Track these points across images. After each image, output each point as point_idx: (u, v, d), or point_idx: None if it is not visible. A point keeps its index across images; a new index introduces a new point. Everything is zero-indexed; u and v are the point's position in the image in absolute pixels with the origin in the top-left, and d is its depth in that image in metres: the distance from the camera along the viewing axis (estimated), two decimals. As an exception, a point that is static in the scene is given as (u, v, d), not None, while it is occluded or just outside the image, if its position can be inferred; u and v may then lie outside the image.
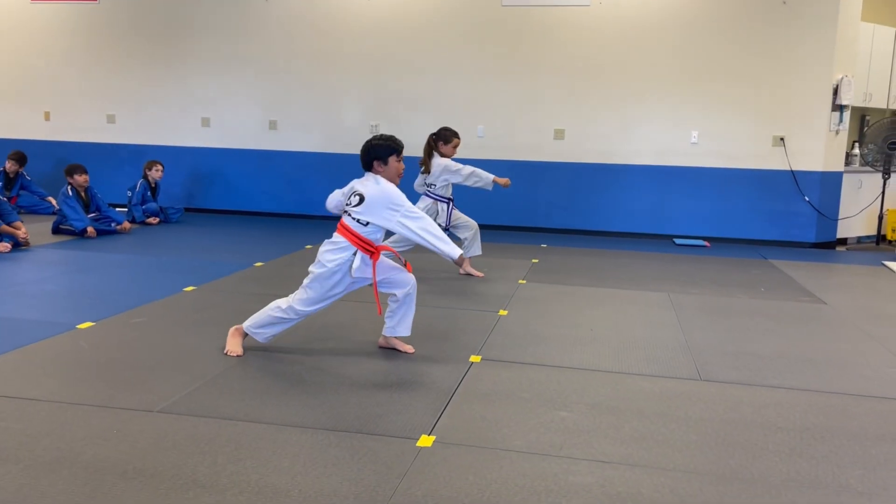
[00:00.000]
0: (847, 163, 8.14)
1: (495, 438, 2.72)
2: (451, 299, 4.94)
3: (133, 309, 4.42)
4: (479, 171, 5.62)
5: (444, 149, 5.59)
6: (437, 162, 5.55)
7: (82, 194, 7.29)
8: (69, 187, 7.16)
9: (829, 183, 7.78)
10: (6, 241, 6.16)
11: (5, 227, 6.21)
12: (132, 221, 7.83)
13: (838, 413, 3.09)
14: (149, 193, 8.18)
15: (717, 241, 7.93)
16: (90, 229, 7.01)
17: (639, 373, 3.54)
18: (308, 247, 6.83)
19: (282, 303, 3.62)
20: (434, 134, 5.61)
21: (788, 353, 3.94)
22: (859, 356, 3.93)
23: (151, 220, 8.05)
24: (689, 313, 4.74)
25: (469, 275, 5.72)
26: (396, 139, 3.62)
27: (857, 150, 8.31)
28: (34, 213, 8.47)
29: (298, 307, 3.58)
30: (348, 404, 3.03)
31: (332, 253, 3.52)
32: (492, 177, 5.61)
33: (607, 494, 2.32)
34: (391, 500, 2.25)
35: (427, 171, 5.61)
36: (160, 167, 8.35)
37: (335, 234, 3.58)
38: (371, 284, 3.59)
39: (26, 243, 6.38)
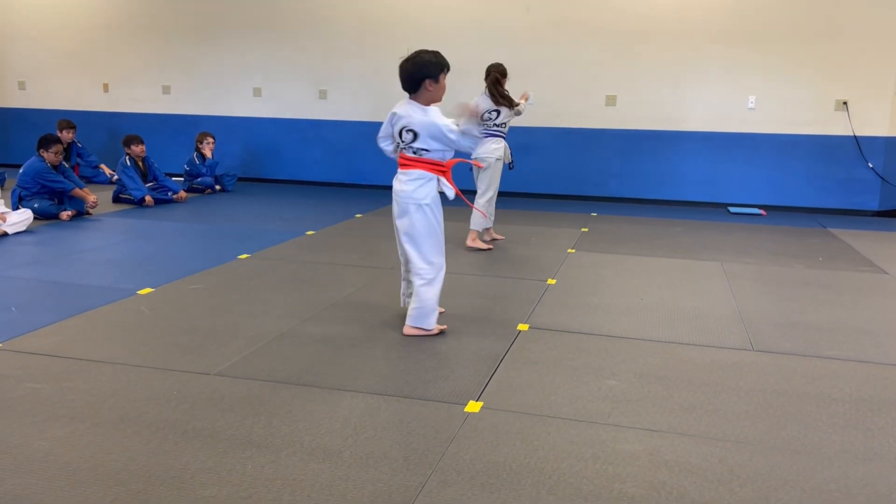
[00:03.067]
0: (914, 127, 7.81)
1: (542, 405, 2.74)
2: (500, 268, 4.94)
3: (190, 276, 4.55)
4: None
5: (507, 84, 5.54)
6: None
7: (140, 164, 7.49)
8: (127, 157, 7.36)
9: (895, 148, 7.48)
10: (69, 210, 6.39)
11: (77, 191, 6.47)
12: (188, 190, 8.02)
13: (895, 385, 3.02)
14: (202, 167, 8.26)
15: (774, 210, 7.73)
16: (148, 198, 7.21)
17: (689, 342, 3.50)
18: (358, 216, 6.90)
19: (424, 274, 3.46)
20: (496, 70, 5.49)
21: (845, 323, 3.84)
22: (921, 328, 3.81)
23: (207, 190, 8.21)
24: (743, 283, 4.65)
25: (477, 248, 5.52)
26: (442, 54, 3.47)
27: (925, 114, 7.95)
28: (93, 184, 8.72)
29: (438, 259, 3.50)
30: (398, 370, 3.08)
31: (424, 187, 3.43)
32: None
33: (655, 463, 2.32)
34: (439, 463, 2.29)
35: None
36: (211, 140, 8.34)
37: (409, 170, 3.46)
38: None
39: (88, 212, 6.61)
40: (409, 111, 3.43)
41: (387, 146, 3.68)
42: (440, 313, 3.67)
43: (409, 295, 3.65)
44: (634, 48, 7.82)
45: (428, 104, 3.46)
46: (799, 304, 4.21)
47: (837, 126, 7.47)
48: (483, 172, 5.50)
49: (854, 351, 3.42)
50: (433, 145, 3.42)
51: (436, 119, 3.39)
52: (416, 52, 3.45)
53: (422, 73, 3.39)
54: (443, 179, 3.50)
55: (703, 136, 7.83)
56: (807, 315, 3.98)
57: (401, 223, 3.53)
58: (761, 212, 7.58)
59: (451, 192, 3.53)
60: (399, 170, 3.54)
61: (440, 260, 3.53)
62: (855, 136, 7.44)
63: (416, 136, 3.41)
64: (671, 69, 7.77)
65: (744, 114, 7.69)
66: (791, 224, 6.94)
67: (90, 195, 6.58)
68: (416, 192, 3.45)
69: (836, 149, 7.52)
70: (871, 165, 7.45)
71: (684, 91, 7.79)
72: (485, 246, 5.50)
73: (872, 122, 7.39)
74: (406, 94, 3.54)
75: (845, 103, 7.40)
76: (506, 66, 5.76)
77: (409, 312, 3.53)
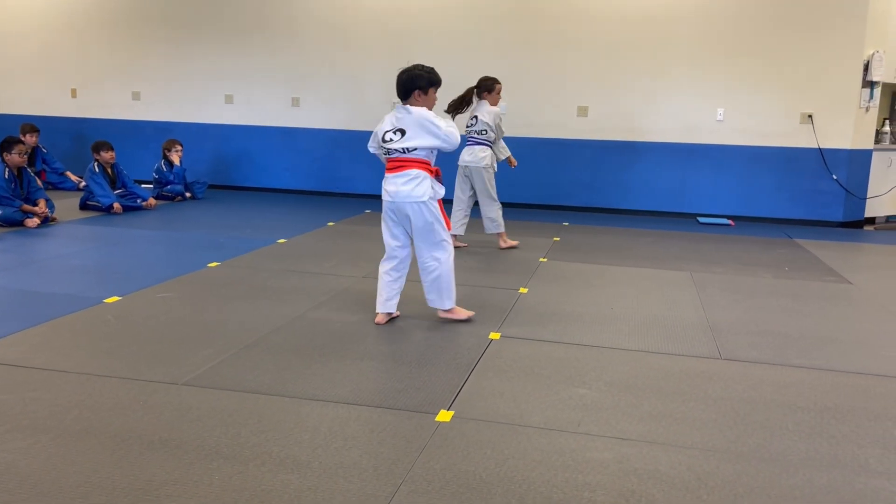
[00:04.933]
0: (877, 140, 7.98)
1: (513, 414, 2.75)
2: (472, 276, 4.95)
3: (159, 284, 4.49)
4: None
5: (489, 98, 5.67)
6: (490, 109, 5.63)
7: (108, 171, 7.38)
8: (96, 164, 7.25)
9: (858, 161, 7.64)
10: (34, 217, 6.26)
11: (26, 207, 6.28)
12: (157, 197, 7.92)
13: (860, 393, 3.07)
14: (169, 174, 8.14)
15: (742, 220, 7.85)
16: (116, 205, 7.11)
17: (658, 351, 3.53)
18: (330, 224, 6.87)
19: (431, 269, 3.73)
20: (476, 87, 5.61)
21: (811, 332, 3.91)
22: (884, 336, 3.89)
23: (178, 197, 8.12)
24: (711, 292, 4.71)
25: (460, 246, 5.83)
26: (436, 71, 3.69)
27: (887, 128, 8.13)
28: (59, 190, 8.58)
29: (445, 245, 3.72)
30: (368, 379, 3.07)
31: (420, 186, 3.59)
32: (508, 153, 6.00)
33: (624, 471, 2.34)
34: (409, 473, 2.28)
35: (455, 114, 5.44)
36: (179, 147, 8.22)
37: (402, 171, 3.61)
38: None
39: (54, 219, 6.49)
40: (398, 114, 3.65)
41: (376, 150, 3.89)
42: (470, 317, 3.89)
43: (391, 299, 3.82)
44: (606, 60, 7.91)
45: None
46: (766, 313, 4.27)
47: (803, 139, 7.62)
48: (478, 184, 5.75)
49: (819, 359, 3.48)
50: (421, 141, 3.56)
51: (422, 111, 3.59)
52: (412, 66, 3.66)
53: (413, 84, 3.62)
54: (434, 180, 3.65)
55: (672, 147, 7.94)
56: (774, 324, 4.05)
57: (402, 224, 3.71)
58: (730, 222, 7.69)
59: (441, 191, 3.70)
60: (389, 174, 3.66)
61: (447, 243, 3.72)
62: (820, 149, 7.59)
63: (404, 133, 3.58)
64: (642, 81, 7.87)
65: (712, 125, 7.81)
66: (758, 234, 7.06)
67: (39, 209, 6.32)
68: (413, 190, 3.59)
69: (801, 161, 7.66)
70: (835, 177, 7.60)
71: (655, 103, 7.90)
72: (514, 242, 5.98)
73: (837, 135, 7.55)
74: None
75: (810, 116, 7.55)
76: (479, 74, 5.82)
77: (429, 297, 3.80)
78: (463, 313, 3.88)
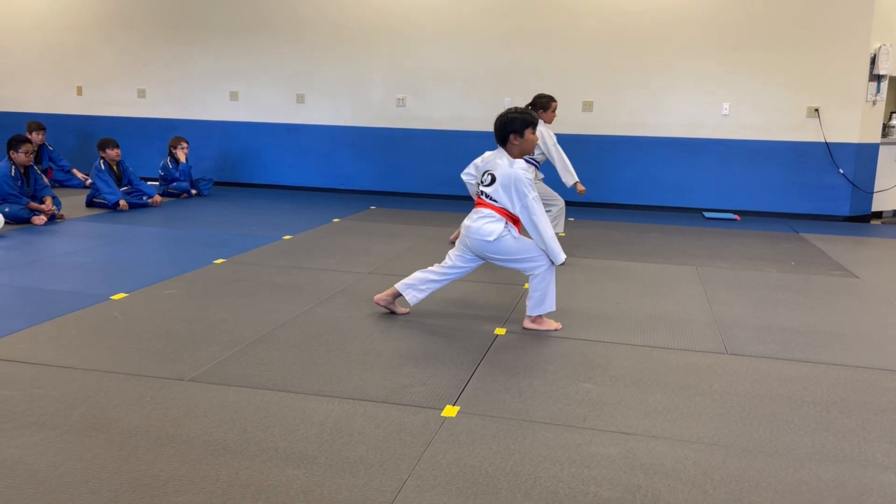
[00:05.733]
0: (884, 134, 7.95)
1: (519, 409, 2.75)
2: (476, 272, 4.94)
3: (165, 281, 4.51)
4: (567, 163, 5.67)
5: (544, 116, 5.55)
6: (542, 130, 5.46)
7: (114, 168, 7.41)
8: (101, 161, 7.27)
9: (865, 155, 7.61)
10: (41, 215, 6.29)
11: (32, 205, 6.31)
12: (162, 195, 7.94)
13: (866, 387, 3.06)
14: (174, 171, 8.18)
15: (748, 215, 7.83)
16: (122, 202, 7.13)
17: (664, 346, 3.53)
18: (336, 220, 6.88)
19: (436, 268, 3.81)
20: (531, 104, 5.53)
21: (817, 327, 3.90)
22: (890, 330, 3.87)
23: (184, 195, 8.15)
24: (717, 287, 4.70)
25: None
26: (531, 112, 3.67)
27: (894, 122, 8.11)
28: (65, 188, 8.61)
29: (450, 270, 3.78)
30: (374, 375, 3.07)
31: (491, 224, 3.62)
32: (575, 179, 5.67)
33: (630, 465, 2.34)
34: (415, 468, 2.29)
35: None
36: (185, 144, 8.26)
37: (482, 208, 3.66)
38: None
39: (61, 216, 6.52)
40: (497, 158, 3.65)
41: (469, 180, 4.00)
42: (556, 329, 3.77)
43: (414, 287, 3.82)
44: (611, 55, 7.89)
45: (518, 156, 3.64)
46: (772, 307, 4.26)
47: (809, 133, 7.59)
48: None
49: (826, 354, 3.47)
50: (502, 198, 3.59)
51: (518, 171, 3.56)
52: (507, 110, 3.66)
53: (507, 129, 3.60)
54: (511, 226, 3.66)
55: (678, 142, 7.92)
56: (780, 318, 4.04)
57: (475, 254, 3.75)
58: (735, 217, 7.67)
59: (515, 234, 3.72)
60: (474, 208, 3.73)
61: (537, 259, 3.67)
62: (826, 143, 7.56)
63: (493, 180, 3.61)
64: (647, 76, 7.85)
65: (718, 120, 7.79)
66: (764, 229, 7.03)
67: (46, 207, 6.36)
68: (482, 228, 3.63)
69: (808, 155, 7.63)
70: (842, 171, 7.57)
71: (660, 97, 7.88)
72: None
73: (843, 129, 7.52)
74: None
75: (817, 110, 7.52)
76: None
77: (527, 303, 3.74)
78: (550, 324, 3.78)
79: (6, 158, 6.33)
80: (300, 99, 8.88)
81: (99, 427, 2.52)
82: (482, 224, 3.63)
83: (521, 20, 8.06)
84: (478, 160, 3.78)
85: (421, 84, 8.37)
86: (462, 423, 2.62)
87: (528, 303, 3.72)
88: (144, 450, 2.37)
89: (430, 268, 3.87)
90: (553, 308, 3.73)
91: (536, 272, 3.66)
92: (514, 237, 3.65)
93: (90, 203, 7.29)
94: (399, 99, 8.44)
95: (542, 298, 3.69)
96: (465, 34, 8.20)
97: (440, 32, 8.26)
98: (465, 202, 8.27)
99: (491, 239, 3.61)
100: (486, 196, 3.65)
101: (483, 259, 3.78)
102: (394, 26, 8.39)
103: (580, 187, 5.70)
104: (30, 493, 2.10)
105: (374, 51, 8.50)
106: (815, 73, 7.47)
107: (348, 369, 3.12)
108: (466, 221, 3.73)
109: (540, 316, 3.73)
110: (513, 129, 3.58)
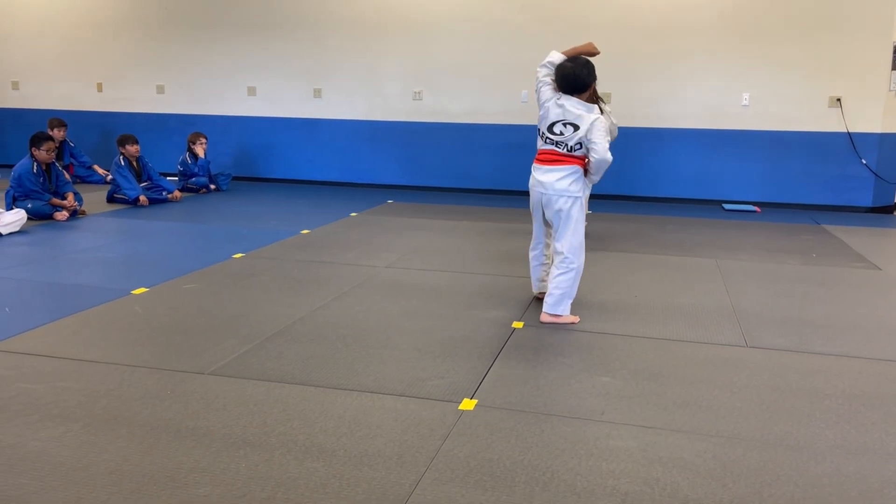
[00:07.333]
0: (907, 124, 7.83)
1: (537, 403, 2.75)
2: (494, 265, 4.95)
3: (184, 275, 4.55)
4: None
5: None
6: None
7: (134, 164, 7.47)
8: (121, 157, 7.34)
9: (888, 145, 7.50)
10: (63, 210, 6.37)
11: (55, 200, 6.39)
12: (182, 189, 8.00)
13: (889, 381, 3.02)
14: (193, 166, 8.23)
15: (768, 206, 7.74)
16: (142, 198, 7.20)
17: (683, 339, 3.51)
18: (353, 214, 6.90)
19: (568, 264, 3.67)
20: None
21: (838, 319, 3.86)
22: (914, 323, 3.82)
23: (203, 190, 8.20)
24: (737, 279, 4.66)
25: None
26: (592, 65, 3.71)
27: (918, 111, 7.97)
28: (86, 184, 8.70)
29: (579, 256, 3.70)
30: (392, 368, 3.08)
31: (575, 182, 3.64)
32: None
33: (648, 459, 2.33)
34: (433, 461, 2.29)
35: None
36: (204, 140, 8.31)
37: (561, 165, 3.63)
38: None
39: (82, 212, 6.59)
40: (572, 107, 3.59)
41: (544, 77, 3.80)
42: (574, 323, 3.75)
43: (543, 280, 3.89)
44: (629, 45, 7.83)
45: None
46: (793, 300, 4.22)
47: (831, 123, 7.49)
48: None
49: (847, 347, 3.43)
50: (586, 143, 3.57)
51: (599, 118, 3.58)
52: (578, 59, 3.73)
53: (592, 78, 3.70)
54: (586, 186, 3.74)
55: (697, 133, 7.84)
56: (800, 311, 3.99)
57: (550, 215, 3.71)
58: (755, 208, 7.59)
59: (588, 189, 3.85)
60: (543, 165, 3.68)
61: (581, 254, 3.70)
62: (849, 133, 7.46)
63: (576, 129, 3.58)
64: (665, 66, 7.78)
65: (738, 110, 7.70)
66: (785, 220, 6.96)
67: (68, 203, 6.43)
68: (570, 186, 3.63)
69: (829, 145, 7.54)
70: (864, 162, 7.47)
71: (678, 88, 7.81)
72: None
73: (866, 119, 7.41)
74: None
75: (839, 100, 7.42)
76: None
77: (546, 300, 3.71)
78: (569, 317, 3.75)
79: (28, 155, 6.41)
80: (317, 93, 8.90)
81: (121, 420, 2.55)
82: (570, 182, 3.62)
83: (537, 12, 8.01)
84: (543, 113, 3.68)
85: (437, 78, 8.36)
86: (480, 416, 2.62)
87: (548, 299, 3.70)
88: (165, 442, 2.39)
89: (530, 257, 3.99)
90: (568, 311, 3.73)
91: (571, 266, 3.66)
92: (583, 208, 3.71)
93: (111, 199, 7.36)
94: (416, 93, 8.44)
95: (562, 297, 3.67)
96: (481, 27, 8.17)
97: (456, 26, 8.23)
98: (483, 195, 8.26)
99: (579, 195, 3.63)
100: (570, 148, 3.59)
101: (543, 211, 3.75)
102: (410, 20, 8.38)
103: None
104: (54, 484, 2.13)
105: (391, 45, 8.50)
106: (836, 63, 7.36)
107: (366, 363, 3.14)
108: (544, 178, 3.66)
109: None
110: (594, 78, 3.71)
